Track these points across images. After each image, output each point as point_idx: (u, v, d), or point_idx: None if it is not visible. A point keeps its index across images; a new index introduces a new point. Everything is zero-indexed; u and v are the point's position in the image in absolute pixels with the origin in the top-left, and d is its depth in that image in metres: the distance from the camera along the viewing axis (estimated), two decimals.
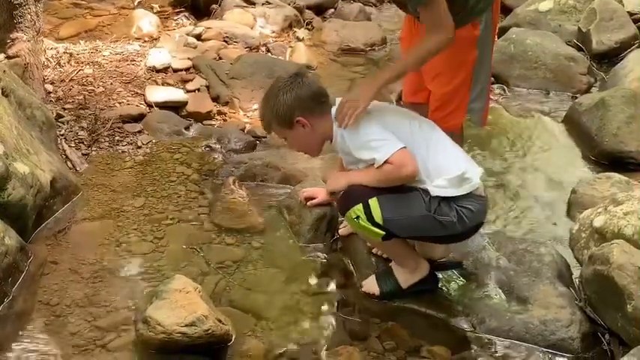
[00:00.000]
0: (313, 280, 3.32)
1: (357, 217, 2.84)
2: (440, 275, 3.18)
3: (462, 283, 3.19)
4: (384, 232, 2.84)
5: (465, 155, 2.98)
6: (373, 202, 2.81)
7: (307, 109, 2.93)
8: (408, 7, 3.10)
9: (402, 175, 2.82)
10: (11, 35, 4.31)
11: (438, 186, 2.81)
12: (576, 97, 5.01)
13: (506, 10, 6.48)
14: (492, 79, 5.09)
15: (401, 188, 2.84)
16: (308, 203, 3.46)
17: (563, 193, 3.95)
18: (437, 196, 2.80)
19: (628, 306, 2.71)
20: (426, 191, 2.81)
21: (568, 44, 5.61)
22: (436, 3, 2.85)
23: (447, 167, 2.83)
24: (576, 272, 3.22)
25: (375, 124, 2.86)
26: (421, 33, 3.07)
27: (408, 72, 3.03)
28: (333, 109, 2.97)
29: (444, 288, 3.17)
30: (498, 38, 5.64)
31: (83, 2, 6.43)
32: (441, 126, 3.06)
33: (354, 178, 2.94)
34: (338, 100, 3.00)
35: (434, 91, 3.19)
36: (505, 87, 5.30)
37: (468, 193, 2.83)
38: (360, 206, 2.82)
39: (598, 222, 3.17)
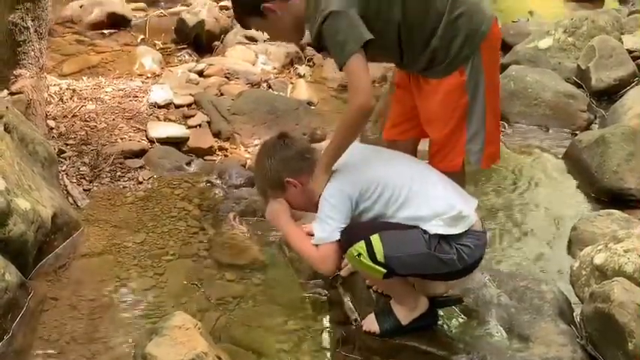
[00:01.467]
0: (314, 317, 3.31)
1: (359, 255, 2.82)
2: (441, 312, 3.17)
3: (462, 320, 3.18)
4: (385, 271, 2.83)
5: (458, 193, 2.98)
6: (375, 240, 2.80)
7: (294, 170, 2.97)
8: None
9: (317, 267, 3.01)
10: (15, 72, 4.36)
11: (435, 225, 2.81)
12: (576, 134, 5.03)
13: (506, 48, 6.55)
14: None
15: (401, 226, 2.85)
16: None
17: (564, 229, 3.95)
18: (436, 234, 2.80)
19: (629, 344, 2.70)
20: (425, 230, 2.81)
21: (567, 81, 5.66)
22: (348, 66, 2.82)
23: (441, 209, 2.83)
24: (577, 310, 3.21)
25: (338, 192, 2.88)
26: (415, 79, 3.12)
27: (342, 149, 2.94)
28: None
29: (444, 325, 3.15)
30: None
31: (87, 39, 6.53)
32: (440, 167, 3.08)
33: (289, 231, 3.05)
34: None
35: (431, 136, 3.20)
36: (505, 123, 5.31)
37: (465, 231, 2.83)
38: (362, 243, 2.81)
39: (598, 259, 3.17)
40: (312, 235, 3.37)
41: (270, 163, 2.98)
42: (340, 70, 2.88)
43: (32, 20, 4.33)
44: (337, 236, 2.85)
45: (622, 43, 5.98)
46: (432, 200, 2.85)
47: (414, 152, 3.39)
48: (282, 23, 2.98)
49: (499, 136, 3.27)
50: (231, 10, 7.04)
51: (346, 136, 2.95)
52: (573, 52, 6.10)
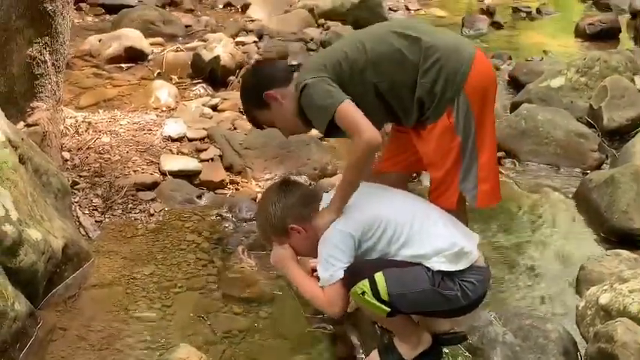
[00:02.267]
0: (319, 352, 3.32)
1: (363, 293, 2.84)
2: (445, 350, 3.18)
3: (467, 358, 3.18)
4: (389, 309, 2.85)
5: (459, 230, 3.00)
6: (379, 277, 2.82)
7: (298, 216, 3.03)
8: None
9: (325, 310, 3.06)
10: (31, 104, 4.42)
11: (437, 262, 2.83)
12: (587, 173, 5.02)
13: (519, 86, 6.59)
14: (503, 156, 5.16)
15: (404, 264, 2.87)
16: (315, 274, 3.48)
17: (572, 269, 3.93)
18: (439, 271, 2.82)
19: None
20: (428, 267, 2.83)
21: (579, 121, 5.65)
22: (338, 115, 2.93)
23: (442, 246, 2.85)
24: (583, 349, 3.20)
25: (340, 232, 2.92)
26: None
27: (352, 189, 3.00)
28: (322, 205, 3.07)
29: None
30: (511, 113, 5.72)
31: (104, 72, 6.60)
32: (437, 203, 3.13)
33: (295, 276, 3.10)
34: (325, 195, 3.09)
35: (431, 176, 3.26)
36: (516, 162, 5.33)
37: (468, 267, 2.85)
38: (366, 282, 2.83)
39: (604, 299, 3.17)
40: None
41: (275, 210, 3.03)
42: (323, 135, 3.05)
43: (50, 54, 4.42)
44: (341, 275, 2.88)
45: (634, 83, 5.98)
46: (433, 238, 2.88)
47: (404, 186, 3.46)
48: (286, 110, 3.11)
49: (496, 173, 3.29)
50: (247, 46, 7.23)
51: (356, 173, 3.01)
52: (585, 91, 6.09)
